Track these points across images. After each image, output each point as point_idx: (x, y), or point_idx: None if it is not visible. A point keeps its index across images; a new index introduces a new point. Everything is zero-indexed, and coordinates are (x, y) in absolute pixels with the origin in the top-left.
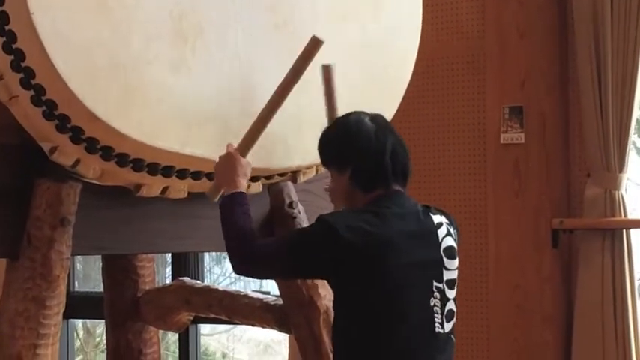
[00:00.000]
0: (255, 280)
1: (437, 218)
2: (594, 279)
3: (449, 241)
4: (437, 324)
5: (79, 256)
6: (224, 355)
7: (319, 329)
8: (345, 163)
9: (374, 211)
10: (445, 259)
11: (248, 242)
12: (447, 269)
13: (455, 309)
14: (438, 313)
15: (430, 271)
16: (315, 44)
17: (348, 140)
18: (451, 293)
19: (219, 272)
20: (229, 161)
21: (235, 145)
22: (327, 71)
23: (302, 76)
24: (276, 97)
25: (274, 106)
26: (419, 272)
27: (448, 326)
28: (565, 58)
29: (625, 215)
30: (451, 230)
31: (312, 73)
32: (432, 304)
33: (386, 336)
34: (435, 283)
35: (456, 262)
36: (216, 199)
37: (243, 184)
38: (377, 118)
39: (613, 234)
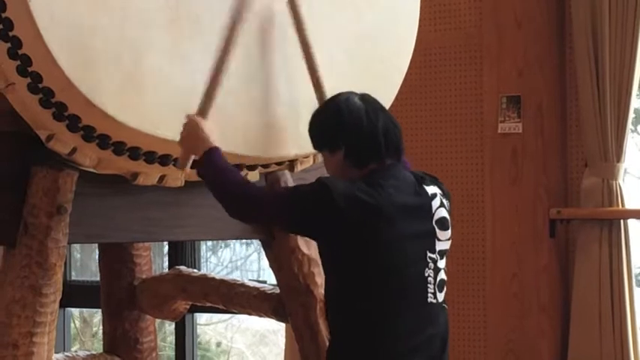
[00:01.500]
0: (253, 269)
1: (431, 189)
2: (591, 269)
3: (442, 212)
4: (429, 294)
5: (76, 246)
6: (219, 344)
7: (316, 318)
8: (337, 143)
9: (369, 182)
10: (437, 230)
11: (243, 186)
12: (439, 240)
13: (446, 278)
14: (431, 284)
15: (424, 242)
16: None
17: (338, 121)
18: (442, 263)
19: (215, 262)
20: (193, 127)
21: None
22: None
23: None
24: (224, 47)
25: (223, 59)
26: (413, 243)
27: (441, 296)
28: (563, 47)
29: (623, 205)
30: (444, 201)
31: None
32: (426, 274)
33: (379, 306)
34: (428, 254)
35: (448, 233)
36: (187, 167)
37: (214, 142)
38: (366, 97)
39: (610, 224)
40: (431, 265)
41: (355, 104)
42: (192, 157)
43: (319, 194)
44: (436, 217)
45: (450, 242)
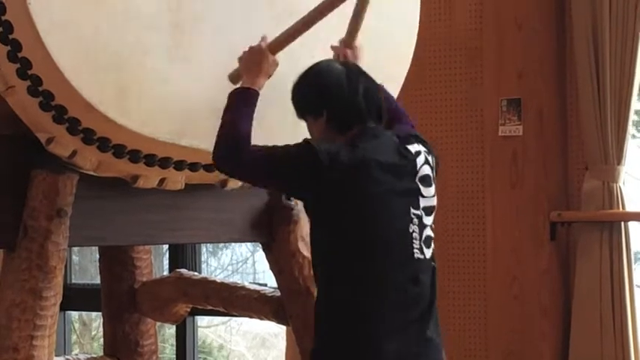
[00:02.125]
0: (252, 272)
1: (414, 147)
2: (592, 271)
3: (425, 170)
4: (415, 250)
5: (75, 248)
6: (221, 348)
7: None
8: (319, 108)
9: (351, 143)
10: (421, 187)
11: (239, 142)
12: (423, 197)
13: (432, 235)
14: (416, 240)
15: (407, 198)
16: None
17: (319, 85)
18: (428, 220)
19: (215, 264)
20: (258, 55)
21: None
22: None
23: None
24: (321, 6)
25: (318, 14)
26: (395, 199)
27: (428, 252)
28: (563, 49)
29: (623, 208)
30: (429, 158)
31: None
32: (410, 230)
33: (364, 261)
34: (412, 210)
35: (432, 190)
36: (237, 84)
37: (261, 83)
38: (347, 63)
39: (611, 226)
40: (415, 220)
41: (336, 69)
42: (242, 81)
43: (303, 152)
44: (420, 173)
45: (435, 199)
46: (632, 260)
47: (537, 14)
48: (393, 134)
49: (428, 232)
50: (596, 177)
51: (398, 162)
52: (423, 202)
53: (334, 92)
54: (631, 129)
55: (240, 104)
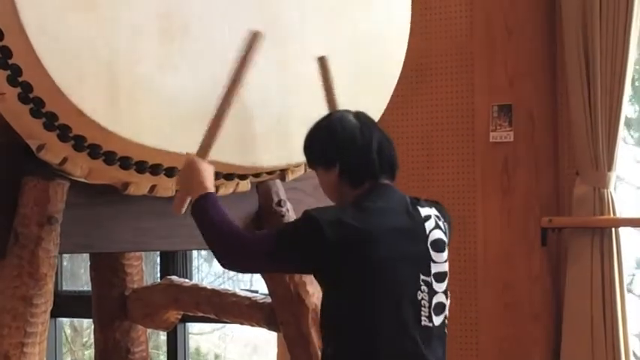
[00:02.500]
0: (245, 278)
1: (425, 211)
2: (583, 277)
3: (437, 234)
4: (424, 317)
5: (66, 255)
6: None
7: (307, 327)
8: (332, 161)
9: (359, 206)
10: (432, 252)
11: (232, 237)
12: (434, 262)
13: (445, 302)
14: (425, 307)
15: (416, 264)
16: (254, 38)
17: (333, 139)
18: (440, 286)
19: (207, 271)
20: (191, 168)
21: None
22: (322, 64)
23: (245, 77)
24: (226, 95)
25: (225, 105)
26: (404, 266)
27: (437, 319)
28: (554, 56)
29: (614, 213)
30: (440, 223)
31: (300, 71)
32: (419, 297)
33: (368, 328)
34: (422, 277)
35: (444, 255)
36: (183, 211)
37: (209, 187)
38: (360, 115)
39: (602, 232)
40: (424, 288)
41: (349, 122)
42: (189, 198)
43: (308, 227)
44: (431, 238)
45: (447, 264)
46: (623, 266)
47: (528, 20)
48: (404, 196)
49: (439, 298)
50: (586, 183)
51: (408, 225)
52: (434, 268)
53: (348, 147)
54: (622, 133)
55: (209, 210)
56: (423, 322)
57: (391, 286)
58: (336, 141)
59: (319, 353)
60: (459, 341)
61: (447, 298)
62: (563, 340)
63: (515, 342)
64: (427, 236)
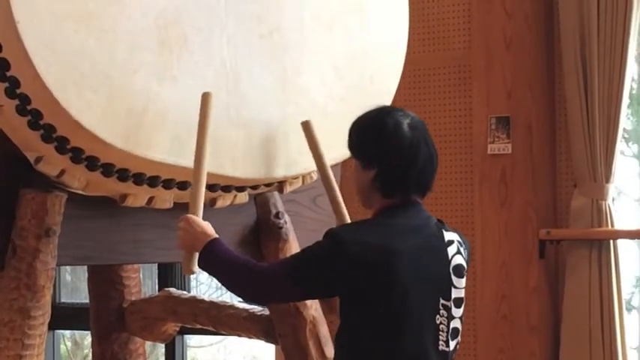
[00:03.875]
0: None
1: (448, 235)
2: (581, 289)
3: (458, 260)
4: (441, 342)
5: (67, 268)
6: None
7: (305, 339)
8: (371, 163)
9: (384, 222)
10: (454, 277)
11: (248, 271)
12: (455, 287)
13: (460, 328)
14: (443, 332)
15: (438, 288)
16: (205, 99)
17: (380, 143)
18: (457, 312)
19: (206, 283)
20: (188, 225)
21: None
22: (306, 128)
23: (209, 134)
24: (196, 161)
25: (200, 167)
26: (426, 289)
27: (452, 344)
28: (552, 68)
29: (612, 225)
30: (461, 249)
31: (299, 81)
32: (437, 322)
33: (389, 351)
34: (442, 301)
35: (464, 282)
36: (196, 269)
37: (211, 235)
38: (415, 125)
39: (600, 244)
40: (443, 312)
41: (403, 132)
42: (197, 254)
43: (331, 245)
44: (453, 263)
45: (464, 291)
46: (621, 278)
47: (526, 32)
48: (430, 216)
49: (456, 323)
50: (584, 195)
51: (431, 248)
52: (454, 293)
53: (391, 158)
54: (620, 145)
55: (216, 256)
56: (440, 347)
57: (412, 308)
58: (383, 147)
59: None
60: (457, 353)
61: (461, 323)
62: (562, 353)
63: (513, 354)
64: (450, 261)
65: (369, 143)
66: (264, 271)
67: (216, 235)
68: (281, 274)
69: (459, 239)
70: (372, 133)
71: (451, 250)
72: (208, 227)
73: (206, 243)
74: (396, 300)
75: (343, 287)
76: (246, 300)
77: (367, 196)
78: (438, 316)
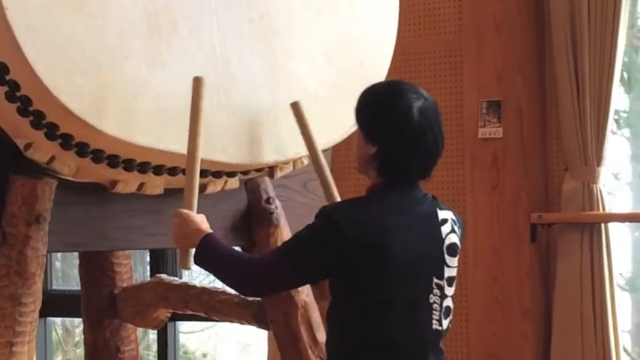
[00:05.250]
0: None
1: (443, 214)
2: (573, 273)
3: (452, 239)
4: (435, 321)
5: (57, 255)
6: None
7: (297, 325)
8: (373, 140)
9: (378, 200)
10: (447, 256)
11: (245, 266)
12: (448, 266)
13: (452, 307)
14: (437, 311)
15: (431, 267)
16: (197, 83)
17: (386, 125)
18: (450, 291)
19: (197, 269)
20: (182, 221)
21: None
22: (296, 109)
23: (203, 119)
24: (190, 146)
25: (194, 156)
26: (419, 267)
27: (445, 323)
28: (542, 51)
29: (603, 209)
30: (455, 228)
31: (289, 66)
32: (431, 300)
33: (382, 329)
34: (435, 280)
35: (456, 260)
36: (190, 263)
37: (206, 230)
38: (425, 110)
39: (592, 228)
40: (436, 291)
41: (411, 118)
42: (193, 250)
43: (325, 225)
44: (447, 242)
45: (456, 269)
46: (613, 261)
47: (516, 15)
48: (426, 194)
49: (448, 302)
50: (576, 178)
51: (425, 227)
52: (447, 272)
53: (395, 139)
54: (611, 125)
55: (211, 251)
56: (434, 326)
57: (406, 287)
58: (387, 129)
59: (309, 350)
60: (448, 337)
61: (453, 302)
62: (553, 336)
63: (505, 338)
64: (443, 240)
65: (375, 120)
66: (259, 262)
67: (210, 231)
68: (278, 262)
69: (454, 217)
70: (379, 110)
71: (445, 229)
72: (202, 222)
73: (201, 239)
74: (390, 279)
75: (338, 266)
76: (245, 294)
77: (365, 167)
78: (431, 295)
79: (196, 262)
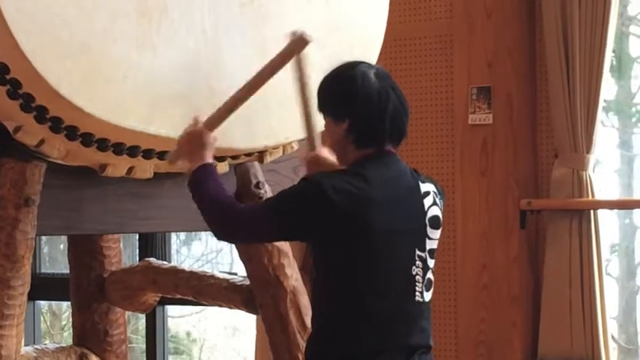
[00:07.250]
0: (224, 261)
1: (425, 186)
2: (562, 259)
3: (434, 211)
4: (417, 293)
5: (44, 238)
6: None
7: (286, 309)
8: (343, 115)
9: (361, 173)
10: (429, 228)
11: (228, 208)
12: (429, 239)
13: (433, 279)
14: (419, 282)
15: (413, 239)
16: (300, 44)
17: (350, 94)
18: (431, 263)
19: (186, 254)
20: (198, 139)
21: (203, 118)
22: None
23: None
24: (256, 79)
25: (252, 89)
26: (402, 239)
27: (428, 295)
28: (533, 38)
29: (592, 196)
30: (437, 200)
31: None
32: (413, 272)
33: (366, 302)
34: (417, 252)
35: (438, 233)
36: (174, 163)
37: (210, 157)
38: (381, 74)
39: (580, 214)
40: (419, 263)
41: (370, 81)
42: (189, 166)
43: (311, 191)
44: (429, 214)
45: (437, 241)
46: (601, 248)
47: (507, 1)
48: (406, 167)
49: (430, 274)
50: (565, 165)
51: (407, 199)
52: (429, 244)
53: (362, 107)
54: (601, 116)
55: (207, 181)
56: (416, 298)
57: (388, 258)
58: (352, 97)
59: (297, 335)
60: (437, 322)
61: (433, 274)
62: (542, 322)
63: (494, 324)
64: (426, 212)
65: (339, 96)
66: (243, 210)
67: (212, 161)
68: (261, 214)
69: (435, 189)
70: (340, 86)
71: (427, 201)
72: (211, 148)
73: (199, 165)
74: (373, 250)
75: (320, 233)
76: (219, 235)
77: (342, 149)
78: (413, 267)
79: (188, 185)
